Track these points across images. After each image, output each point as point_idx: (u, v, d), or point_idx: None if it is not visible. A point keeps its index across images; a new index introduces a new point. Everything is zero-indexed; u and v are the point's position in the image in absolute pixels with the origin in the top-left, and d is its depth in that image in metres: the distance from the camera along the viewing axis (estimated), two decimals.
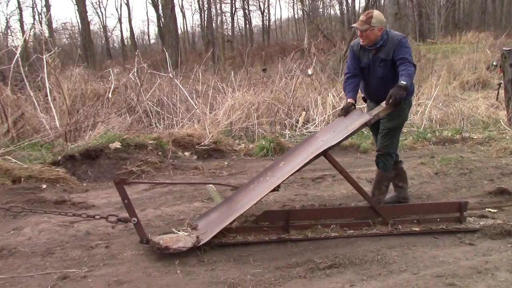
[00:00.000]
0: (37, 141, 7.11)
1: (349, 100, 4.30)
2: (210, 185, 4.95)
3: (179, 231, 3.83)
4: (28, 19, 34.86)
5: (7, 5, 50.61)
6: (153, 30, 50.92)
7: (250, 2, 42.97)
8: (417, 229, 3.96)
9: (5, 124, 7.43)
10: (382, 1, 34.31)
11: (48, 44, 9.30)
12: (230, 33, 39.26)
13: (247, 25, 43.20)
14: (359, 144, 7.58)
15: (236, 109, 8.82)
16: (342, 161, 6.73)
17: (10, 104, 7.95)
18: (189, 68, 14.31)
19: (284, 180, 3.86)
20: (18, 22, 32.66)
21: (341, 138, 3.89)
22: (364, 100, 4.68)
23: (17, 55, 8.65)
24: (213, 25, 31.72)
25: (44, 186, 5.44)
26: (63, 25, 41.68)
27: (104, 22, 42.62)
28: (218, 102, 9.67)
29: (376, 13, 4.14)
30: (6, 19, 32.13)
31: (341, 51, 14.46)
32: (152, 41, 45.37)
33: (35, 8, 34.60)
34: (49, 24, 31.24)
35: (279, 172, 4.00)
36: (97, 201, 5.10)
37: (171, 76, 10.59)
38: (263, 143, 7.57)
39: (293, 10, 45.59)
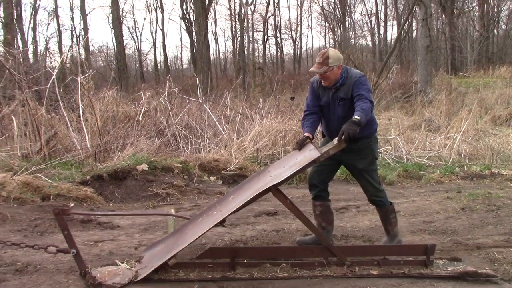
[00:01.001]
0: (67, 160, 7.28)
1: (305, 134, 4.16)
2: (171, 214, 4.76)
3: (122, 262, 3.75)
4: (66, 41, 35.89)
5: (47, 27, 52.76)
6: (186, 55, 51.86)
7: (282, 31, 43.51)
8: (375, 272, 3.75)
9: (38, 142, 7.65)
10: (414, 34, 34.29)
11: (84, 66, 9.57)
12: (261, 61, 39.66)
13: (279, 53, 43.62)
14: (385, 176, 7.51)
15: (263, 136, 8.88)
16: (360, 191, 6.66)
17: (44, 123, 8.19)
18: (219, 93, 14.52)
19: (228, 215, 3.71)
20: (57, 44, 33.70)
21: (287, 176, 3.73)
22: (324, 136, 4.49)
23: (54, 76, 8.92)
24: (245, 52, 32.20)
25: (72, 204, 5.51)
26: (99, 48, 42.83)
27: (139, 46, 43.63)
28: (245, 128, 9.77)
29: (331, 52, 4.01)
30: (46, 41, 33.23)
31: (372, 82, 14.47)
32: (185, 66, 46.18)
33: (74, 31, 35.65)
34: (86, 46, 32.22)
35: (226, 207, 3.86)
36: (122, 221, 5.18)
37: (201, 101, 10.78)
38: None
39: (325, 39, 45.70)
